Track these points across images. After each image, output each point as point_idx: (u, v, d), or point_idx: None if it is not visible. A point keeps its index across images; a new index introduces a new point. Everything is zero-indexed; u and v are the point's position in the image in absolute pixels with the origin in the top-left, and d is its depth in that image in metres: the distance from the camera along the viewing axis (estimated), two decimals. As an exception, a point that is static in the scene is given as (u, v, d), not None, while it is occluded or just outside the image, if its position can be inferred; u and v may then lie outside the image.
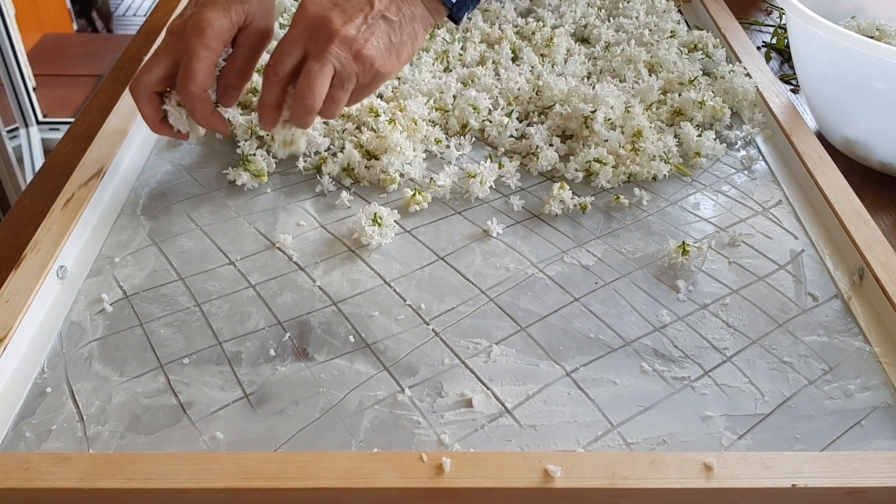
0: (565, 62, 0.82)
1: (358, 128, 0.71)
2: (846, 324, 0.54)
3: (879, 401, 0.49)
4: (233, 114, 0.70)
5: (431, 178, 0.65)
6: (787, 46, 0.94)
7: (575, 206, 0.64)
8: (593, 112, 0.69)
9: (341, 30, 0.57)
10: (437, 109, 0.73)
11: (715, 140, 0.71)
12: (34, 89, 2.18)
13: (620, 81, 0.79)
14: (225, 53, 0.61)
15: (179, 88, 0.59)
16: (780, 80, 0.88)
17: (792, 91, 0.87)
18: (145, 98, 0.61)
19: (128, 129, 0.69)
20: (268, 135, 0.69)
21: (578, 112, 0.70)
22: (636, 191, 0.65)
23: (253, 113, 0.72)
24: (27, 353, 0.51)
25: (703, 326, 0.54)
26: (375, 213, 0.60)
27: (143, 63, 0.62)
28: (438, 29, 0.88)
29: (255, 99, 0.74)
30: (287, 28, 0.87)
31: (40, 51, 2.72)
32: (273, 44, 0.64)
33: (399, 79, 0.79)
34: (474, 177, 0.65)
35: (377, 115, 0.71)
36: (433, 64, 0.82)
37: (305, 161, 0.68)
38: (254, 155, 0.67)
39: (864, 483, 0.42)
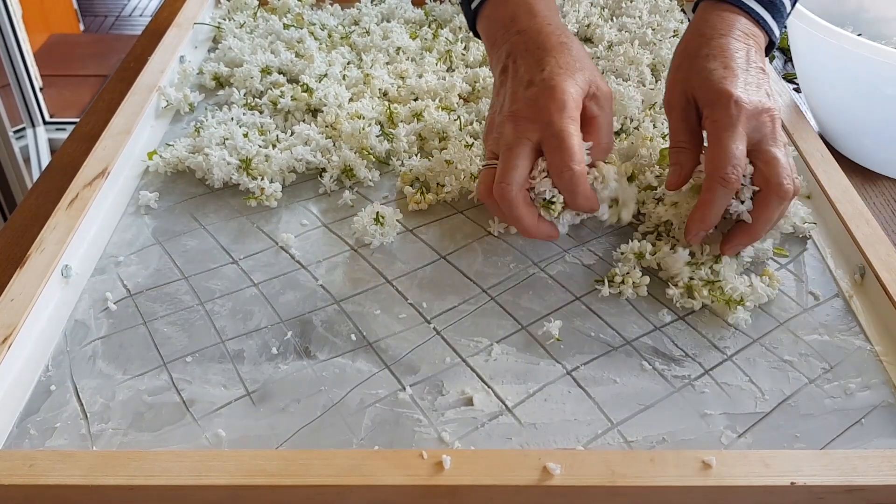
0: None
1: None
2: (847, 323, 0.54)
3: (880, 399, 0.49)
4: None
5: (438, 183, 0.66)
6: (791, 45, 0.94)
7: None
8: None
9: (773, 108, 0.56)
10: (442, 109, 0.73)
11: None
12: (41, 89, 2.19)
13: (624, 81, 0.79)
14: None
15: (560, 171, 0.54)
16: (784, 79, 0.88)
17: (795, 90, 0.87)
18: (521, 198, 0.55)
19: (132, 129, 0.70)
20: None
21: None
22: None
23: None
24: (32, 351, 0.51)
25: (703, 325, 0.54)
26: (378, 213, 0.61)
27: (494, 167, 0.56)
28: (442, 29, 0.89)
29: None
30: (292, 27, 0.87)
31: (47, 51, 2.73)
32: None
33: (403, 79, 0.79)
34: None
35: (391, 116, 0.72)
36: (436, 64, 0.82)
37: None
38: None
39: (864, 481, 0.42)
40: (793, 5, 0.64)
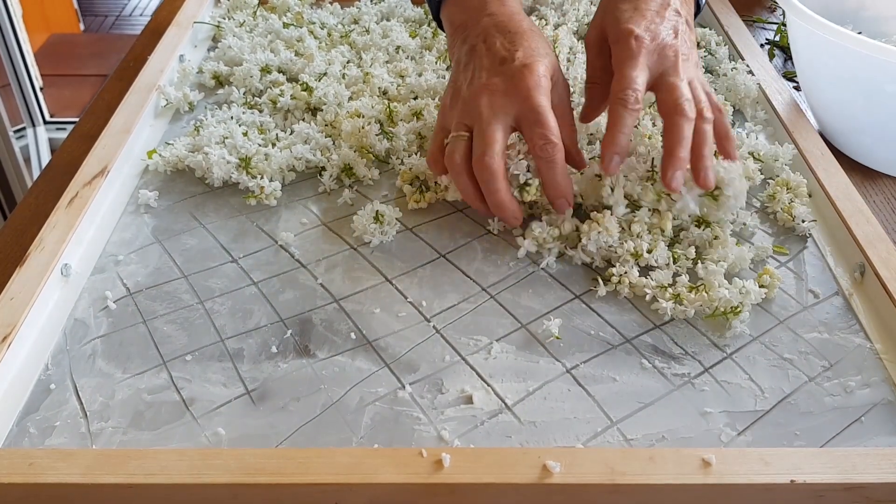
0: (568, 60, 0.82)
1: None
2: (847, 321, 0.54)
3: (880, 397, 0.49)
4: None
5: (437, 183, 0.66)
6: (791, 44, 0.93)
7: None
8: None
9: (678, 45, 0.59)
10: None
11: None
12: (41, 89, 2.20)
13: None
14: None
15: (542, 144, 0.55)
16: (783, 77, 0.88)
17: (795, 88, 0.87)
18: (502, 169, 0.56)
19: (132, 128, 0.70)
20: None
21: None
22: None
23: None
24: (32, 350, 0.51)
25: (703, 323, 0.54)
26: (377, 211, 0.61)
27: (450, 141, 0.58)
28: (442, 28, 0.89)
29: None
30: (292, 26, 0.87)
31: (47, 51, 2.73)
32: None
33: (403, 77, 0.79)
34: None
35: (390, 115, 0.72)
36: (436, 63, 0.82)
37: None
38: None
39: (863, 479, 0.42)
40: None
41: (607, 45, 0.61)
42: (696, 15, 0.68)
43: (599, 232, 0.57)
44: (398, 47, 0.85)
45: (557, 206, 0.58)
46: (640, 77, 0.57)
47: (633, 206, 0.59)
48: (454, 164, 0.58)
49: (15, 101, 2.13)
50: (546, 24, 0.88)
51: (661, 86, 0.59)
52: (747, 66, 0.81)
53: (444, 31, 0.71)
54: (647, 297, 0.55)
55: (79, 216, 0.59)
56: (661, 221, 0.58)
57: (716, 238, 0.59)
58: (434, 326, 0.53)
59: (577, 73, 0.79)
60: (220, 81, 0.82)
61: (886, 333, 0.53)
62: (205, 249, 0.60)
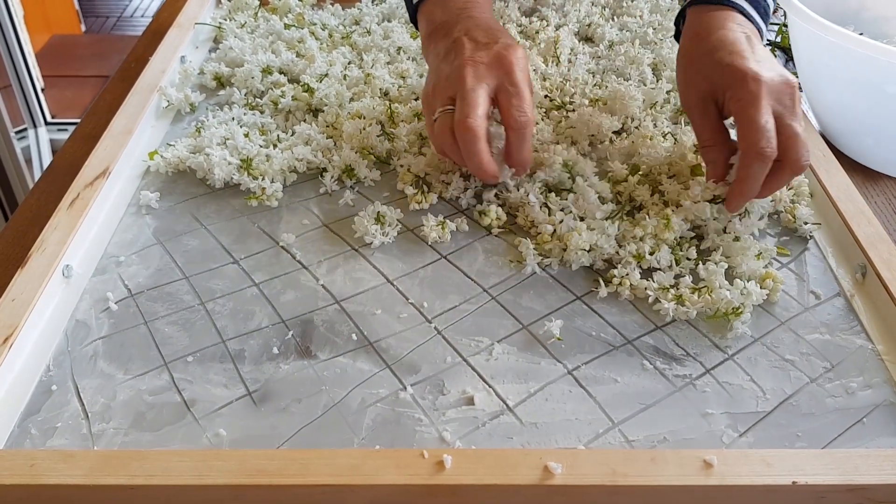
0: (569, 61, 0.82)
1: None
2: (849, 322, 0.54)
3: (881, 398, 0.49)
4: None
5: (442, 181, 0.66)
6: (792, 44, 0.93)
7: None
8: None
9: (791, 81, 0.58)
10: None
11: None
12: (42, 90, 2.20)
13: (625, 80, 0.79)
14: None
15: (518, 114, 0.59)
16: (785, 78, 0.88)
17: (796, 89, 0.87)
18: (483, 132, 0.58)
19: (133, 129, 0.70)
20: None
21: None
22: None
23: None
24: (33, 351, 0.51)
25: (704, 324, 0.54)
26: (378, 212, 0.61)
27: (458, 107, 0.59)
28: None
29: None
30: (293, 27, 0.87)
31: (48, 52, 2.74)
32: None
33: (404, 78, 0.79)
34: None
35: (391, 116, 0.72)
36: (437, 63, 0.82)
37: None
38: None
39: (865, 480, 0.42)
40: (774, 9, 0.67)
41: (709, 103, 0.60)
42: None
43: (577, 253, 0.58)
44: (399, 48, 0.85)
45: (518, 174, 0.63)
46: (769, 121, 0.55)
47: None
48: (441, 136, 0.60)
49: (16, 102, 2.13)
50: (547, 25, 0.88)
51: (782, 129, 0.56)
52: (748, 66, 0.81)
53: (417, 29, 0.72)
54: (650, 300, 0.55)
55: (80, 217, 0.59)
56: (664, 230, 0.58)
57: (736, 240, 0.59)
58: (435, 327, 0.53)
59: (578, 74, 0.79)
60: (222, 82, 0.82)
61: (888, 334, 0.53)
62: (206, 250, 0.60)
